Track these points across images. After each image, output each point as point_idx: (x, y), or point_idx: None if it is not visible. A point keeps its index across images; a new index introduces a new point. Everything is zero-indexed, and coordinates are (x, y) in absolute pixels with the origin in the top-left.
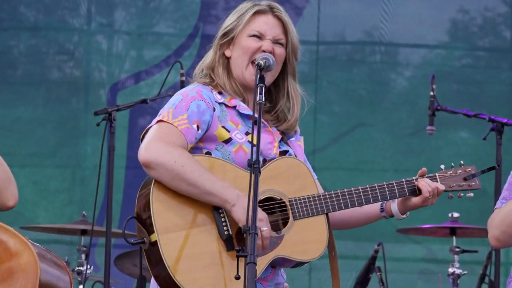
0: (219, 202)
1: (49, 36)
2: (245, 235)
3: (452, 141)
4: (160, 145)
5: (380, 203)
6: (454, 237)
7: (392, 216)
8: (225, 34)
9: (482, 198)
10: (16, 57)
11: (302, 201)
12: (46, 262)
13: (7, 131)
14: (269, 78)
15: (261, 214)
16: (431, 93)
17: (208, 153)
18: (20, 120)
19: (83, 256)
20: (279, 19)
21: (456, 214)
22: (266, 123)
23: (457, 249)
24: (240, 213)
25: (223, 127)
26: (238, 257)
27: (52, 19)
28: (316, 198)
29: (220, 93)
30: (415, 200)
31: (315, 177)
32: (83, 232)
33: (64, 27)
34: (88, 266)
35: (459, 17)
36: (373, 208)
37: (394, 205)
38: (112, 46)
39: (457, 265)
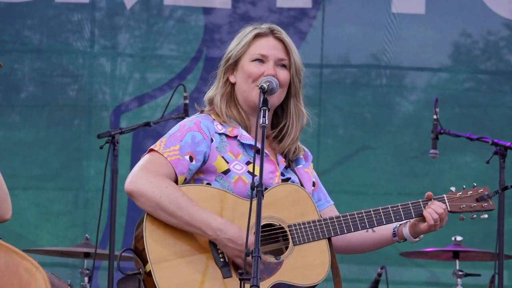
0: (200, 234)
1: (53, 59)
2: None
3: (456, 165)
4: (142, 175)
5: (392, 227)
6: (457, 261)
7: (405, 240)
8: (227, 60)
9: (485, 222)
10: (19, 79)
11: (302, 226)
12: (53, 287)
13: (10, 153)
14: (275, 101)
15: (250, 237)
16: (434, 117)
17: (209, 184)
18: (23, 142)
19: (86, 279)
20: (280, 40)
21: (459, 238)
22: (268, 152)
23: (460, 273)
24: (223, 247)
25: (223, 157)
26: (241, 280)
27: (55, 42)
28: (317, 223)
29: (222, 123)
30: (423, 226)
31: (331, 202)
32: (86, 255)
33: (68, 50)
34: None
35: (462, 41)
36: (385, 232)
37: (405, 229)
38: (115, 68)
39: None
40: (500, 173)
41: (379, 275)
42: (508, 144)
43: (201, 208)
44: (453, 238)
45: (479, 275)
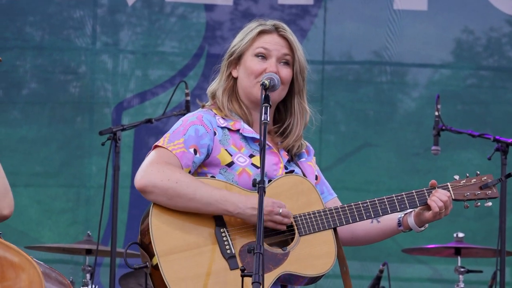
0: (221, 211)
1: (54, 56)
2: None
3: (458, 161)
4: (152, 168)
5: (397, 217)
6: (459, 257)
7: (410, 229)
8: (231, 54)
9: (487, 219)
10: (21, 76)
11: (307, 217)
12: (50, 281)
13: (12, 150)
14: (275, 97)
15: (267, 201)
16: (436, 113)
17: (213, 178)
18: (25, 139)
19: (88, 276)
20: (285, 38)
21: (461, 234)
22: (270, 145)
23: (462, 269)
24: (249, 217)
25: (226, 150)
26: (243, 276)
27: (57, 39)
28: (322, 213)
29: (224, 117)
30: (428, 215)
31: (334, 195)
32: (88, 251)
33: (70, 47)
34: (93, 286)
35: (464, 37)
36: (390, 222)
37: (410, 219)
38: (117, 65)
39: (462, 285)
40: (502, 169)
41: (381, 271)
42: (509, 140)
43: (216, 187)
44: (455, 235)
45: (481, 271)
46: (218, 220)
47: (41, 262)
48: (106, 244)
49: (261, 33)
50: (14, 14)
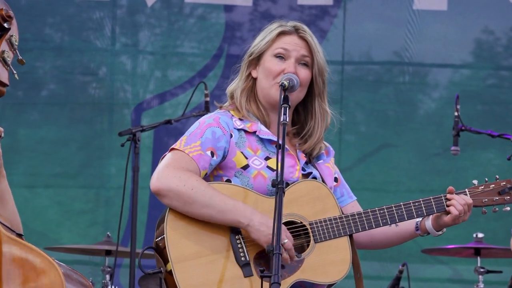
0: (234, 220)
1: (74, 57)
2: (272, 255)
3: (479, 162)
4: (168, 172)
5: (415, 221)
6: (478, 258)
7: (428, 233)
8: (251, 54)
9: (507, 219)
10: (41, 77)
11: (323, 223)
12: (72, 282)
13: (32, 151)
14: (293, 99)
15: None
16: (456, 114)
17: (228, 181)
18: (44, 140)
19: (108, 276)
20: (304, 39)
21: (480, 235)
22: (287, 147)
23: (481, 270)
24: (256, 231)
25: (242, 153)
26: (262, 277)
27: (76, 40)
28: (338, 219)
29: (241, 119)
30: (447, 219)
31: (354, 198)
32: (108, 252)
33: (89, 48)
34: (113, 287)
35: (484, 37)
36: (408, 227)
37: (428, 223)
38: (136, 66)
39: (481, 285)
40: None
41: (401, 272)
42: None
43: (230, 197)
44: (474, 235)
45: (500, 272)
46: (233, 227)
47: (63, 264)
48: (125, 245)
49: (281, 34)
50: (34, 15)
